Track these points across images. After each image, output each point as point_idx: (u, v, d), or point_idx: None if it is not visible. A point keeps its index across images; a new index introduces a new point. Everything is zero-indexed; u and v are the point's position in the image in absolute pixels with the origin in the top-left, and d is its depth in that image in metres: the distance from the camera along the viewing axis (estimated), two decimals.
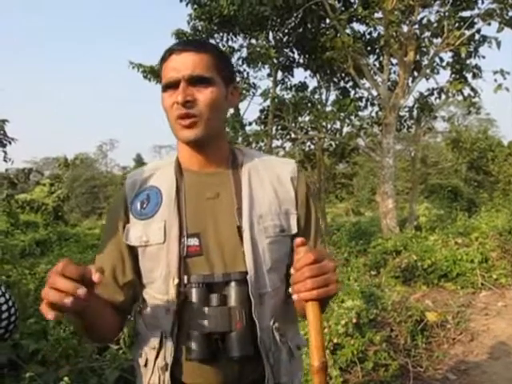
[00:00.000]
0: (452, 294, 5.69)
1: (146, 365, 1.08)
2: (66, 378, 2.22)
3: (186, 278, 1.03)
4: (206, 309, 1.00)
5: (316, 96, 13.35)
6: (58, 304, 0.78)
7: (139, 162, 37.89)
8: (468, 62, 10.44)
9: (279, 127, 12.94)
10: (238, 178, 1.10)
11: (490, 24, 9.88)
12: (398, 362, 3.42)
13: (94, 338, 1.13)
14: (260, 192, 1.10)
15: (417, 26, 10.17)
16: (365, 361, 3.32)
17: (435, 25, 9.89)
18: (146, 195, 1.10)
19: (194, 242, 1.05)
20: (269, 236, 1.06)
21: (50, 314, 0.79)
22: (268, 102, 12.32)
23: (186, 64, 1.04)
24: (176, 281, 1.03)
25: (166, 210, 1.07)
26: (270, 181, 1.12)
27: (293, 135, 12.88)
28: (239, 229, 1.04)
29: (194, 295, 1.01)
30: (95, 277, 0.80)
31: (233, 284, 1.02)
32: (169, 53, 1.06)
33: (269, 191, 1.10)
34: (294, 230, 1.10)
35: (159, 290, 1.06)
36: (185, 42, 1.13)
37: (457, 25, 9.70)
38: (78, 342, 2.91)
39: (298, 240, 0.87)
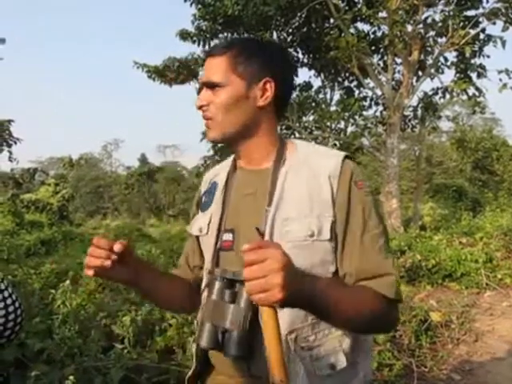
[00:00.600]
0: (456, 293, 5.66)
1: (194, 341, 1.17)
2: (71, 377, 2.23)
3: (216, 270, 1.07)
4: (219, 302, 1.02)
5: (320, 95, 13.36)
6: (97, 267, 0.96)
7: (144, 161, 37.95)
8: (473, 61, 10.42)
9: (283, 127, 12.93)
10: (275, 176, 1.07)
11: (494, 23, 9.87)
12: (402, 362, 3.42)
13: (160, 306, 1.37)
14: (292, 192, 1.05)
15: (421, 26, 10.15)
16: None
17: (440, 24, 9.87)
18: (210, 190, 1.21)
19: (228, 236, 1.10)
20: (291, 240, 1.00)
21: (90, 271, 0.98)
22: None
23: (206, 70, 1.10)
24: (208, 271, 1.11)
25: (215, 204, 1.15)
26: (307, 180, 1.05)
27: (297, 135, 12.87)
28: (258, 230, 1.00)
29: (215, 288, 1.03)
30: (116, 246, 0.97)
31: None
32: (204, 58, 1.14)
33: (303, 192, 1.04)
34: (327, 236, 1.01)
35: (204, 278, 1.16)
36: (214, 46, 1.16)
37: (461, 24, 9.67)
38: (83, 341, 2.93)
39: (245, 246, 0.78)
